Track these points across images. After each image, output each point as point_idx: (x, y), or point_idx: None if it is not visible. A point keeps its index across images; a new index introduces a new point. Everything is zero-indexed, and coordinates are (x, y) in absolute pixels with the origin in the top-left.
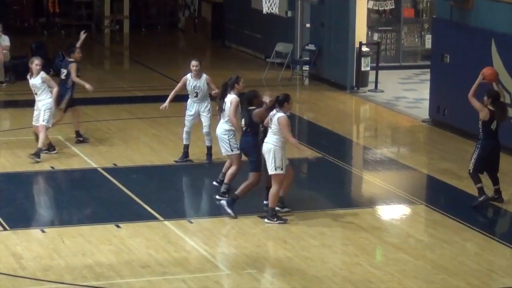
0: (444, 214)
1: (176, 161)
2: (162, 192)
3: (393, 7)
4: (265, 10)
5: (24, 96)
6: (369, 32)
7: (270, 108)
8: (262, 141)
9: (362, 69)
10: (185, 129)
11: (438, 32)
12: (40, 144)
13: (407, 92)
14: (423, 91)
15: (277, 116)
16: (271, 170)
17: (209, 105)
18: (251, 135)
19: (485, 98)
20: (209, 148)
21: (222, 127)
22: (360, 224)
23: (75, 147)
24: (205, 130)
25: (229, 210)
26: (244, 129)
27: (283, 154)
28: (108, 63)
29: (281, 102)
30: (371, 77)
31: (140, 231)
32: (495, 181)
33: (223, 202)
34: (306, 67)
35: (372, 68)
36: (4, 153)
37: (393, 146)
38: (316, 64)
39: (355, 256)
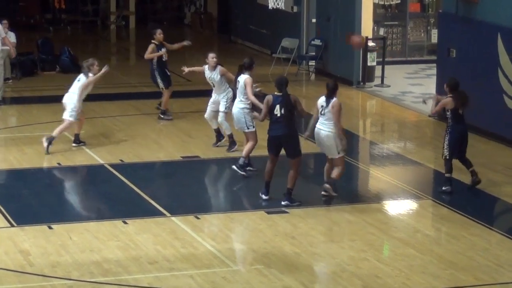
0: (451, 209)
1: (214, 146)
2: (169, 188)
3: (399, 1)
4: (271, 5)
5: (30, 92)
6: (375, 27)
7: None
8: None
9: (369, 64)
10: (205, 115)
11: (444, 27)
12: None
13: (414, 87)
14: (430, 86)
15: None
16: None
17: (227, 96)
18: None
19: (445, 86)
20: (230, 136)
21: (237, 105)
22: (367, 220)
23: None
24: (220, 119)
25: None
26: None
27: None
28: (114, 59)
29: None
30: (378, 72)
31: (147, 227)
32: (469, 164)
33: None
34: (312, 62)
35: (378, 63)
36: (11, 149)
37: (400, 141)
38: (322, 59)
39: (363, 251)
